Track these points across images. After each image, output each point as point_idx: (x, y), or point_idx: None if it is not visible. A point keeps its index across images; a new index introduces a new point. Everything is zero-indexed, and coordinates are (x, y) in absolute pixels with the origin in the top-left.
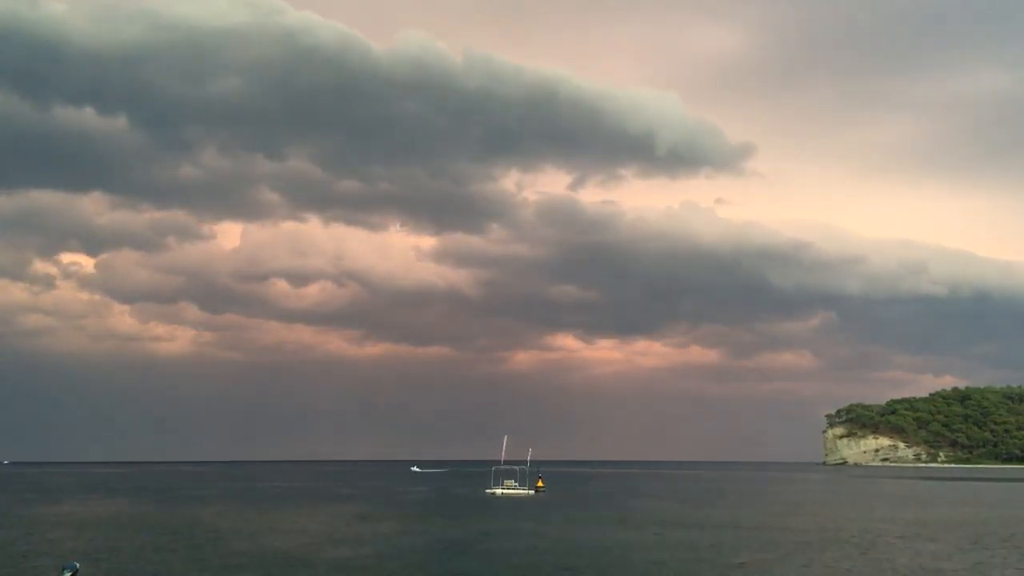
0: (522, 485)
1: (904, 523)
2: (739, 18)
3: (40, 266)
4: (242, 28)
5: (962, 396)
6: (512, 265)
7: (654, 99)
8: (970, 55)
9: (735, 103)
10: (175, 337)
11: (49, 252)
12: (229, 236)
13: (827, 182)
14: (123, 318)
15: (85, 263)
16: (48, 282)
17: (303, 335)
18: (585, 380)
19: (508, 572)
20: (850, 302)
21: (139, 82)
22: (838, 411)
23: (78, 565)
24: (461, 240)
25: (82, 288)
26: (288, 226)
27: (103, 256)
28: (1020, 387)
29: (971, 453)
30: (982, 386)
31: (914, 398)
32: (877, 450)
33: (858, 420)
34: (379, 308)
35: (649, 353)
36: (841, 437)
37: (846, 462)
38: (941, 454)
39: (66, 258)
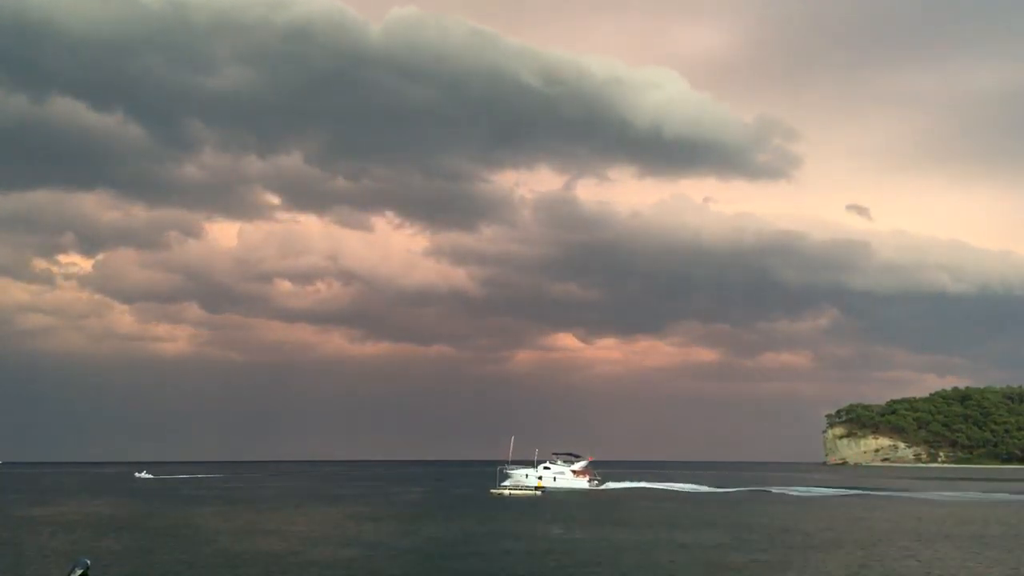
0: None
1: None
2: (737, 13)
3: (39, 265)
4: (235, 13)
5: (962, 396)
6: (512, 263)
7: (662, 81)
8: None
9: (735, 100)
10: (176, 337)
11: (49, 251)
12: (227, 234)
13: (828, 178)
14: (123, 317)
15: (83, 263)
16: (48, 280)
17: (303, 334)
18: (585, 379)
19: (507, 573)
20: (852, 298)
21: (132, 73)
22: (838, 411)
23: (89, 562)
24: (456, 239)
25: (82, 287)
26: (288, 224)
27: (102, 255)
28: (1020, 387)
29: (971, 453)
30: (983, 386)
31: (914, 398)
32: (877, 450)
33: (858, 420)
34: (380, 307)
35: (647, 351)
36: (841, 437)
37: (846, 462)
38: (941, 454)
39: (65, 258)
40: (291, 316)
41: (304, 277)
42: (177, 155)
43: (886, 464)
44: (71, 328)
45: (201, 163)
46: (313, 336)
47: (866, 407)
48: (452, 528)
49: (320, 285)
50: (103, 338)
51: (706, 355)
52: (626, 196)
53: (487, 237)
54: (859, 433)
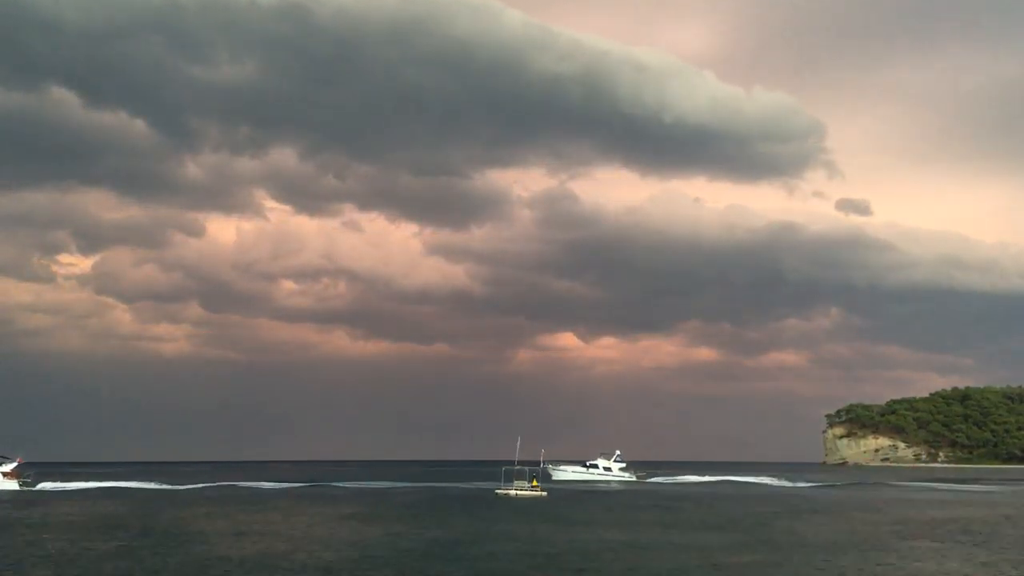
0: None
1: None
2: (738, 6)
3: (39, 264)
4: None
5: (962, 396)
6: (512, 262)
7: (663, 71)
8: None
9: (736, 94)
10: (176, 337)
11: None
12: (227, 233)
13: (829, 174)
14: (123, 317)
15: (83, 262)
16: (48, 280)
17: (304, 333)
18: (585, 379)
19: (506, 573)
20: (854, 296)
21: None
22: (838, 411)
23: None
24: (456, 238)
25: (82, 287)
26: (287, 223)
27: (102, 254)
28: (1020, 387)
29: (971, 453)
30: (985, 385)
31: (914, 398)
32: (877, 450)
33: (858, 420)
34: (380, 306)
35: (647, 351)
36: (841, 437)
37: (846, 462)
38: (941, 454)
39: (65, 258)
40: (292, 315)
41: (305, 276)
42: (177, 153)
43: (886, 464)
44: (71, 328)
45: (200, 161)
46: (314, 335)
47: (866, 407)
48: (456, 527)
49: (324, 282)
50: (103, 338)
51: (706, 354)
52: (623, 192)
53: (485, 236)
54: (859, 433)
